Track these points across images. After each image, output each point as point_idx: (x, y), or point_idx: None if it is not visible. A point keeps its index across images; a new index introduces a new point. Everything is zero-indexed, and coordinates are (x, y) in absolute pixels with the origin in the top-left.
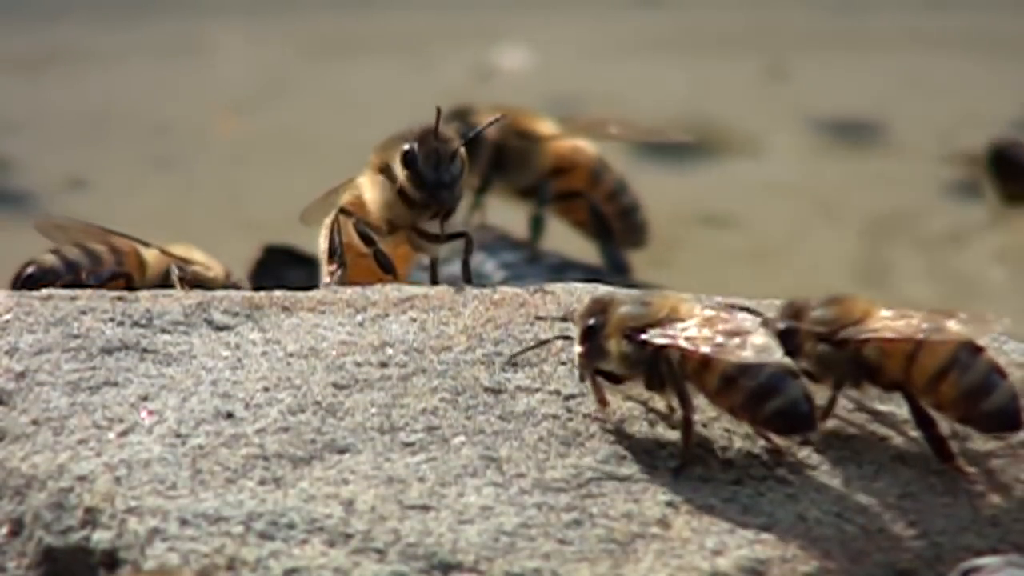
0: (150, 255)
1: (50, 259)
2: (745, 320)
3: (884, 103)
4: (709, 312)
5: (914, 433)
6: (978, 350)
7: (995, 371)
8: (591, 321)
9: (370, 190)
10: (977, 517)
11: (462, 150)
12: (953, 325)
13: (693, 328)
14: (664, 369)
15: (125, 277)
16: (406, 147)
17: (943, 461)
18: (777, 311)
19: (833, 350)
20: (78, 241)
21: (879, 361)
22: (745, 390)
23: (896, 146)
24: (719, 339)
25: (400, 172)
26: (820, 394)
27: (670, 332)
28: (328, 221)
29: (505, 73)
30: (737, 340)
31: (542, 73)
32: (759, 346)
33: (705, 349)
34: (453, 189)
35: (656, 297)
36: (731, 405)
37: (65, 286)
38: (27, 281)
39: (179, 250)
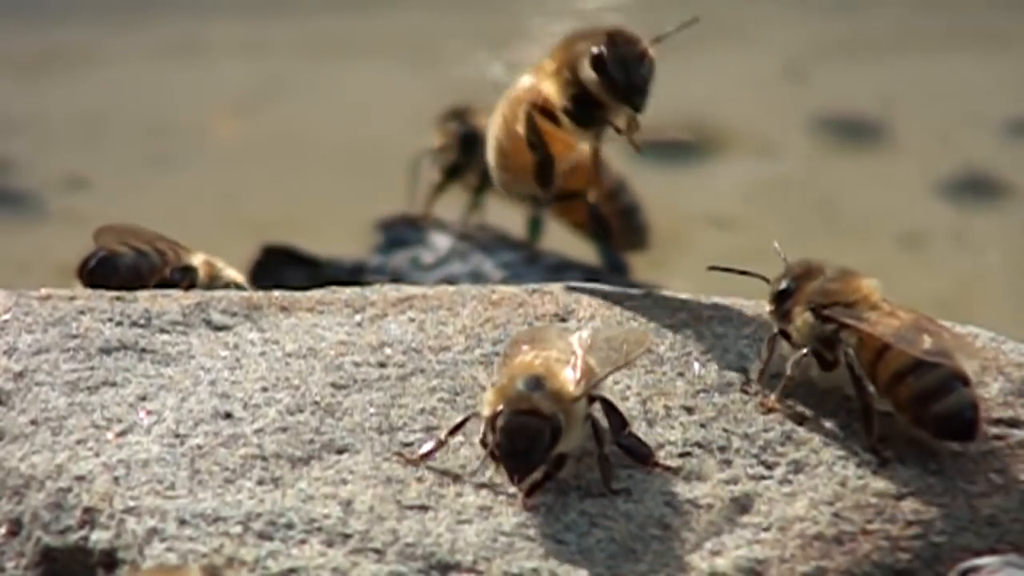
0: (197, 260)
1: (123, 248)
2: None
3: (885, 103)
4: None
5: (913, 433)
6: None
7: (955, 378)
8: None
9: (555, 92)
10: (975, 517)
11: (651, 50)
12: (930, 343)
13: None
14: None
15: (193, 275)
16: (595, 51)
17: (867, 434)
18: (789, 268)
19: (816, 322)
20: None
21: (853, 345)
22: None
23: (897, 146)
24: None
25: (590, 76)
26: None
27: None
28: (522, 119)
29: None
30: None
31: None
32: None
33: None
34: (646, 91)
35: None
36: None
37: (132, 283)
38: (99, 266)
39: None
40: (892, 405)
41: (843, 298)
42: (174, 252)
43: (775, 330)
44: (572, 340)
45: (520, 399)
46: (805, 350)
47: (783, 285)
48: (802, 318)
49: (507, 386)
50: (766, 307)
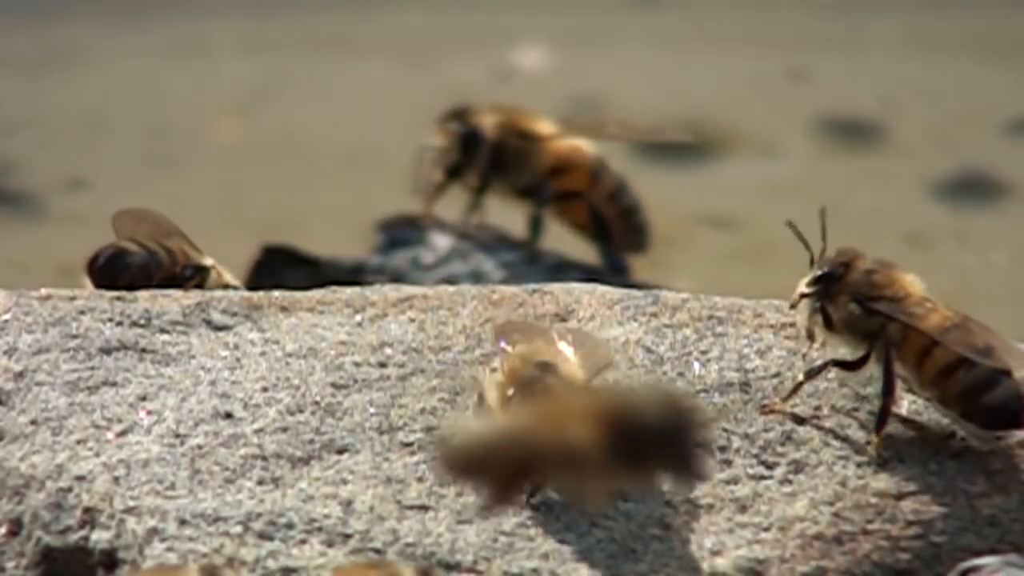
0: (209, 262)
1: (133, 247)
2: None
3: (885, 103)
4: None
5: (913, 433)
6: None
7: (999, 371)
8: None
9: None
10: (976, 517)
11: None
12: (981, 342)
13: None
14: None
15: (202, 276)
16: None
17: (876, 432)
18: (834, 253)
19: (862, 314)
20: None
21: (897, 340)
22: None
23: (896, 146)
24: None
25: None
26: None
27: None
28: None
29: (523, 73)
30: None
31: (561, 73)
32: None
33: None
34: None
35: None
36: None
37: (141, 282)
38: (108, 264)
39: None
40: (938, 399)
41: (890, 293)
42: (183, 253)
43: (816, 305)
44: (553, 334)
45: (540, 379)
46: (823, 361)
47: (829, 269)
48: (846, 309)
49: (519, 368)
50: (801, 287)
